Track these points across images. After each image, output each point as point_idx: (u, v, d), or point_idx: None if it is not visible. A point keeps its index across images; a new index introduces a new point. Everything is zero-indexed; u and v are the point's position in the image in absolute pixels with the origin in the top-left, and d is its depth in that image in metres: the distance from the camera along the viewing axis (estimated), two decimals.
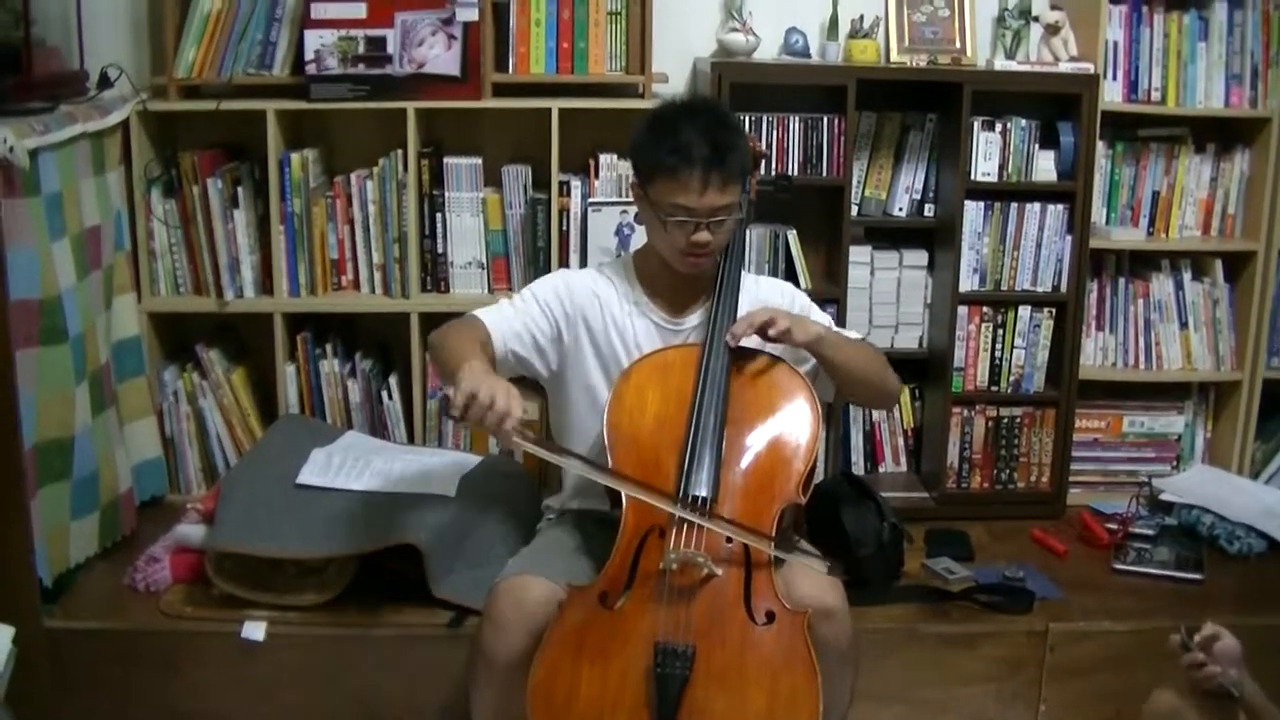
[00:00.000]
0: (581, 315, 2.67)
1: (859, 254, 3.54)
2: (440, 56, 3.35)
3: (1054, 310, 3.53)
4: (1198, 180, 3.65)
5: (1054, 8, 3.58)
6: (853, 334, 2.82)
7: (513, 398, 2.23)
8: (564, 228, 3.44)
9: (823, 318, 2.80)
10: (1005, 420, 3.58)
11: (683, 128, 2.51)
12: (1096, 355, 3.69)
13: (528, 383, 2.76)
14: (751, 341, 2.57)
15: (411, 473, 3.08)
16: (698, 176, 2.48)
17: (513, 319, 2.63)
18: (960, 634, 2.95)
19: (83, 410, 2.96)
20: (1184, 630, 2.21)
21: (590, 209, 3.40)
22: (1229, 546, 3.31)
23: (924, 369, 3.69)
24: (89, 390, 2.99)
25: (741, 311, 2.61)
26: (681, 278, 2.66)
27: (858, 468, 3.71)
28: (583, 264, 3.40)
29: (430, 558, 2.80)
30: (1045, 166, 3.48)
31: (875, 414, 3.69)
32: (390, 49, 3.34)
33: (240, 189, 3.40)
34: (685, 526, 2.32)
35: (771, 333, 2.51)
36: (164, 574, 2.98)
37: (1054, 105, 3.50)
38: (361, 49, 3.33)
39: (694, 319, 2.70)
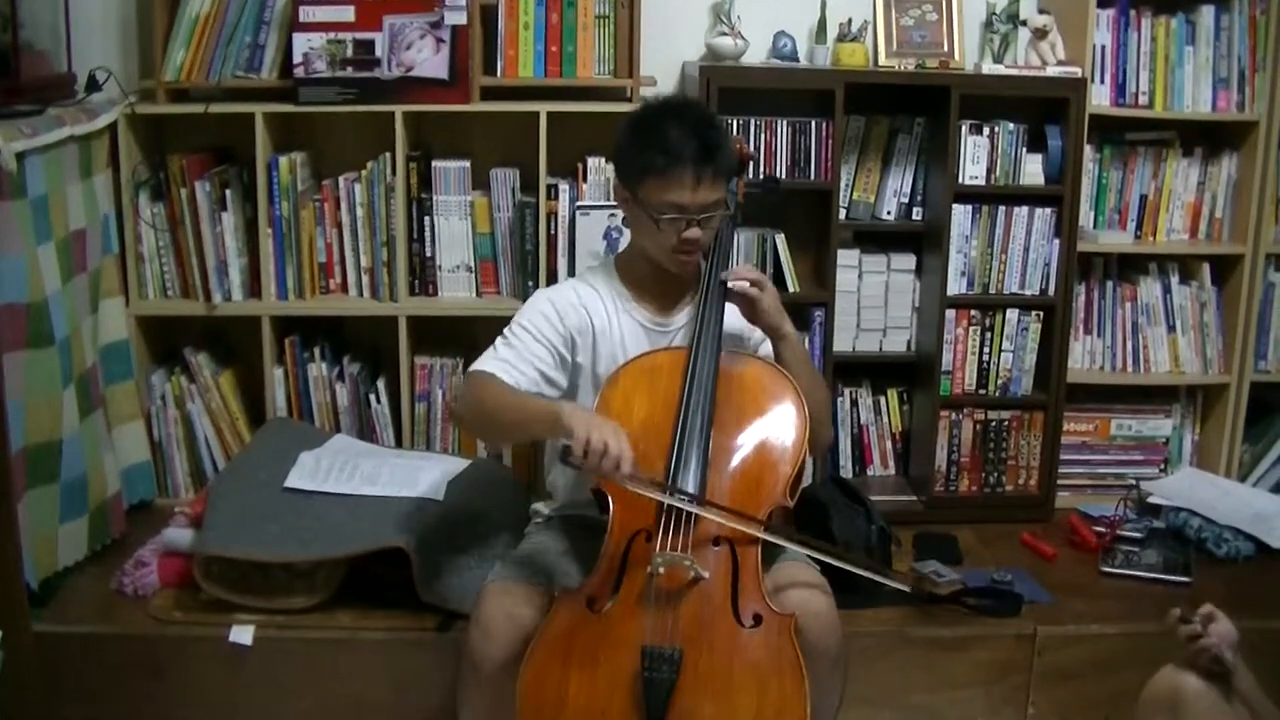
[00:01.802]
0: (575, 333, 2.66)
1: (847, 257, 3.54)
2: (428, 60, 3.35)
3: (1042, 314, 3.54)
4: (1185, 184, 3.66)
5: (1042, 11, 3.58)
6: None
7: (623, 438, 2.24)
8: (552, 231, 3.44)
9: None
10: (994, 423, 3.59)
11: (669, 128, 2.52)
12: (1084, 358, 3.70)
13: None
14: (732, 321, 2.61)
15: (399, 476, 3.07)
16: (690, 174, 2.49)
17: (517, 362, 2.56)
18: (949, 638, 2.95)
19: (71, 414, 2.95)
20: (1183, 607, 2.25)
21: (578, 212, 3.40)
22: (1217, 549, 3.32)
23: (912, 372, 3.70)
24: (76, 394, 2.99)
25: (729, 313, 2.61)
26: (667, 277, 2.67)
27: (846, 471, 3.71)
28: (570, 268, 3.40)
29: (418, 562, 2.80)
30: (1033, 170, 3.49)
31: (864, 417, 3.70)
32: (379, 52, 3.33)
33: (228, 192, 3.40)
34: (672, 529, 2.32)
35: (751, 290, 2.57)
36: (152, 578, 2.97)
37: (1042, 109, 3.51)
38: (350, 52, 3.33)
39: (680, 319, 2.71)
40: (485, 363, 2.56)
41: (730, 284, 2.59)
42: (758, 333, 2.68)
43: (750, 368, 2.59)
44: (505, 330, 2.64)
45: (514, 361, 2.56)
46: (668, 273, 2.65)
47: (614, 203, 3.31)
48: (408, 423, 3.53)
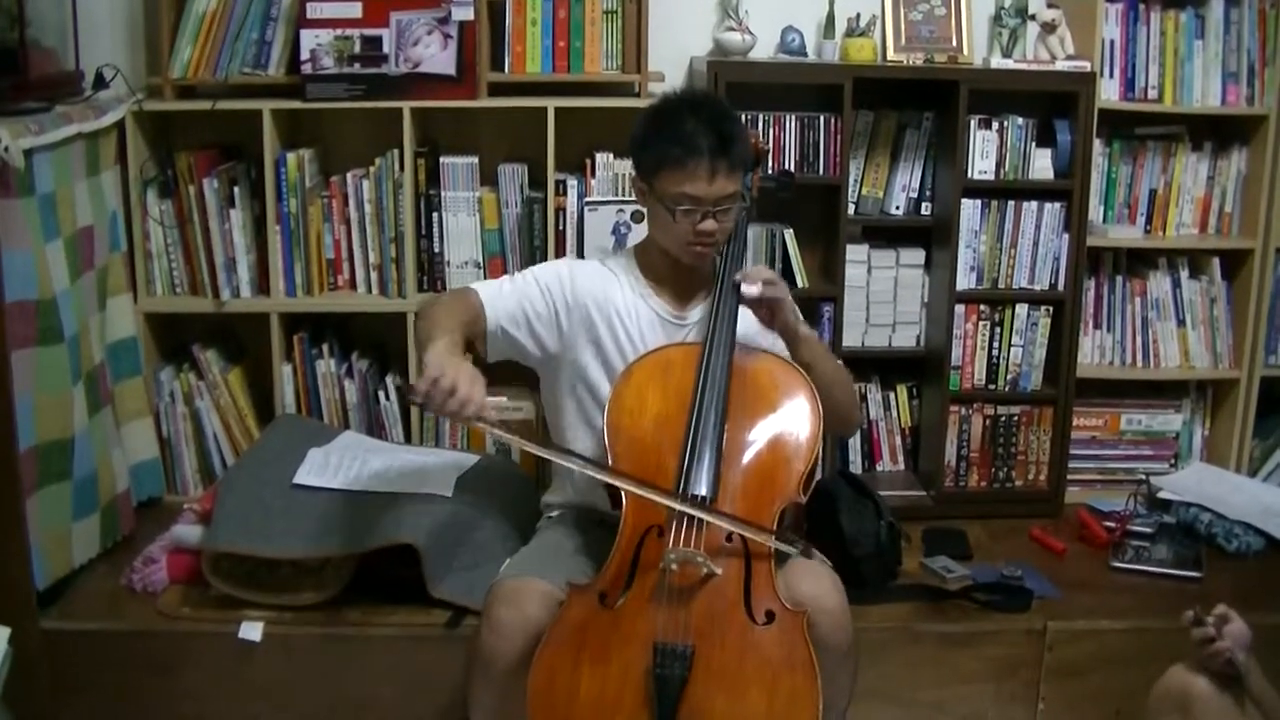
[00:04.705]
0: (582, 303, 2.67)
1: (856, 253, 3.53)
2: (436, 56, 3.34)
3: (1051, 309, 3.53)
4: (1194, 178, 3.65)
5: (1051, 6, 3.57)
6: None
7: (475, 384, 2.25)
8: (560, 227, 3.44)
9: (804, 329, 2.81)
10: (1003, 419, 3.58)
11: (686, 119, 2.54)
12: (1094, 353, 3.69)
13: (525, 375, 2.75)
14: (746, 322, 2.59)
15: (408, 472, 3.07)
16: (705, 165, 2.51)
17: (508, 296, 2.65)
18: (958, 633, 2.94)
19: (80, 411, 2.96)
20: (1197, 609, 2.24)
21: (586, 208, 3.39)
22: (1227, 544, 3.31)
23: (921, 368, 3.69)
24: (85, 391, 2.99)
25: (742, 311, 2.61)
26: (683, 271, 2.68)
27: (855, 466, 3.71)
28: None
29: (427, 558, 2.79)
30: (1042, 165, 3.48)
31: (873, 412, 3.69)
32: (386, 48, 3.33)
33: (236, 189, 3.39)
34: (685, 525, 2.31)
35: (767, 292, 2.55)
36: (161, 575, 2.97)
37: (1051, 103, 3.50)
38: (357, 48, 3.33)
39: (696, 313, 2.71)
40: (480, 285, 2.68)
41: (744, 289, 2.57)
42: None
43: (763, 363, 2.59)
44: (519, 273, 2.73)
45: (505, 293, 2.66)
46: (683, 266, 2.66)
47: (622, 198, 3.33)
48: (416, 419, 3.53)
